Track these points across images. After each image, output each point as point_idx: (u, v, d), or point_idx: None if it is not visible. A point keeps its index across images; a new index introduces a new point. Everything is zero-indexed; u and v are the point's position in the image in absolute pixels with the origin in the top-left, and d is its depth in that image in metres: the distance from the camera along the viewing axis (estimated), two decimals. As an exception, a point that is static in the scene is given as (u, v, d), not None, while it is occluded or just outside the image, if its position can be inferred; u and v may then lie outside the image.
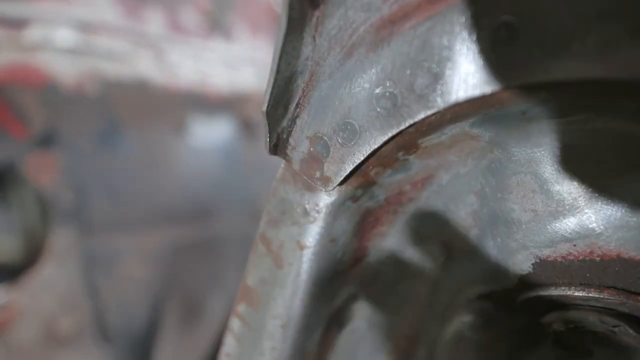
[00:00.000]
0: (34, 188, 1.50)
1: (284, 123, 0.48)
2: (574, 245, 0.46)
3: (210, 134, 2.04)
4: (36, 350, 1.53)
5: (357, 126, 0.45)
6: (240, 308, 0.58)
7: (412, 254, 0.57)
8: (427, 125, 0.43)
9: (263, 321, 0.56)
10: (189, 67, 1.92)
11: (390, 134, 0.44)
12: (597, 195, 0.44)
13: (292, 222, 0.52)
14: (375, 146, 0.45)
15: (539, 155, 0.45)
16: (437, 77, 0.40)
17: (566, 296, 0.48)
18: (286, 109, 0.48)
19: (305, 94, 0.47)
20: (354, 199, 0.50)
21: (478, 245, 0.54)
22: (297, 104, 0.48)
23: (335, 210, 0.50)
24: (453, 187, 0.52)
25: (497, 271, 0.54)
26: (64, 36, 1.54)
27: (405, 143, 0.45)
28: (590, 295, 0.47)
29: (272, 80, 0.44)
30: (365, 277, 0.57)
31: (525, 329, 0.61)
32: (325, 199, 0.50)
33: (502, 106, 0.40)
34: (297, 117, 0.48)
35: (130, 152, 1.73)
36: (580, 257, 0.46)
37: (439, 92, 0.41)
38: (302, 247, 0.51)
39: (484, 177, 0.49)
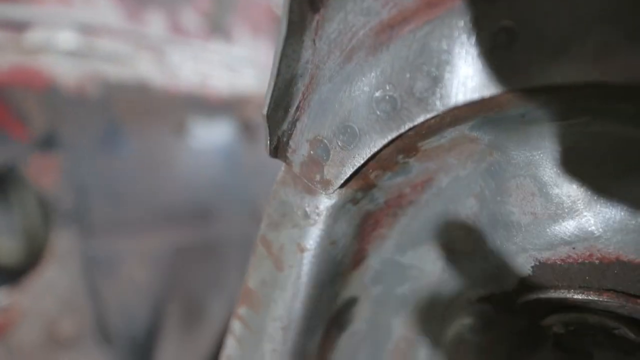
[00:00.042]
0: (35, 190, 1.51)
1: (284, 126, 0.49)
2: (573, 248, 0.46)
3: (211, 135, 2.05)
4: (38, 352, 1.53)
5: (357, 129, 0.45)
6: (241, 310, 0.58)
7: (411, 256, 0.57)
8: (426, 128, 0.43)
9: (264, 323, 0.56)
10: (190, 69, 1.93)
11: (390, 137, 0.44)
12: (596, 198, 0.44)
13: (293, 224, 0.52)
14: (375, 149, 0.45)
15: (538, 158, 0.45)
16: (436, 81, 0.41)
17: (566, 299, 0.49)
18: (286, 112, 0.48)
19: (305, 97, 0.48)
20: (354, 201, 0.50)
21: (477, 248, 0.54)
22: (298, 107, 0.48)
23: (336, 212, 0.50)
24: (453, 190, 0.52)
25: (497, 274, 0.54)
26: (66, 39, 1.54)
27: (405, 146, 0.46)
28: (590, 298, 0.47)
29: (272, 83, 0.44)
30: (365, 280, 0.57)
31: (525, 332, 0.61)
32: (325, 202, 0.50)
33: (502, 109, 0.40)
34: (297, 120, 0.48)
35: (131, 154, 1.74)
36: (580, 260, 0.46)
37: (438, 95, 0.41)
38: (302, 250, 0.52)
39: (483, 179, 0.50)
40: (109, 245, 1.70)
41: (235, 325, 0.60)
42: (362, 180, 0.48)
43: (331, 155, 0.47)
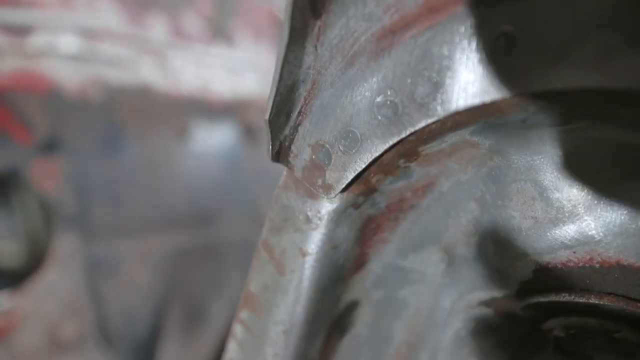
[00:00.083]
0: (36, 193, 1.51)
1: (286, 131, 0.49)
2: (574, 252, 0.46)
3: (213, 139, 2.05)
4: (39, 355, 1.53)
5: (358, 134, 0.46)
6: (243, 314, 0.58)
7: (413, 260, 0.57)
8: (427, 133, 0.44)
9: (265, 327, 0.56)
10: (192, 73, 1.93)
11: (391, 142, 0.44)
12: (596, 202, 0.44)
13: (294, 229, 0.52)
14: (377, 154, 0.45)
15: (538, 162, 0.45)
16: (437, 86, 0.41)
17: (566, 302, 0.49)
18: (288, 117, 0.48)
19: (307, 102, 0.48)
20: (356, 206, 0.51)
21: (479, 252, 0.54)
22: (299, 112, 0.48)
23: (337, 217, 0.50)
24: (454, 194, 0.52)
25: (497, 278, 0.54)
26: (68, 43, 1.55)
27: (406, 151, 0.46)
28: (590, 301, 0.47)
29: (274, 89, 0.45)
30: (366, 284, 0.58)
31: (526, 335, 0.61)
32: (327, 206, 0.50)
33: (502, 114, 0.41)
34: (299, 125, 0.49)
35: (133, 158, 1.74)
36: (580, 264, 0.47)
37: (439, 100, 0.41)
38: (304, 254, 0.52)
39: (484, 184, 0.50)
40: (110, 248, 1.70)
41: (237, 329, 0.60)
42: (363, 184, 0.49)
43: (333, 160, 0.47)
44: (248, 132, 2.15)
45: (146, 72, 1.76)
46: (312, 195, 0.50)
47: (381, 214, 0.53)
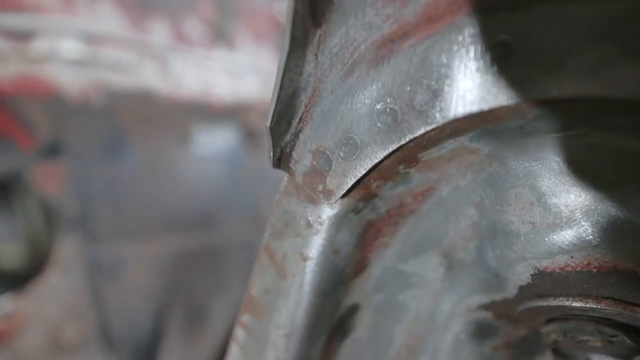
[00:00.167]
0: (38, 197, 1.52)
1: (287, 137, 0.49)
2: (572, 257, 0.47)
3: (214, 142, 2.06)
4: (41, 358, 1.54)
5: (358, 141, 0.46)
6: (245, 318, 0.59)
7: (413, 264, 0.58)
8: (427, 140, 0.44)
9: (267, 331, 0.57)
10: (193, 77, 1.94)
11: (391, 149, 0.45)
12: (593, 208, 0.45)
13: (296, 234, 0.53)
14: (377, 160, 0.46)
15: (536, 168, 0.46)
16: (436, 94, 0.42)
17: (564, 307, 0.49)
18: (289, 124, 0.49)
19: (308, 109, 0.48)
20: (356, 211, 0.51)
21: (478, 256, 0.55)
22: (300, 119, 0.49)
23: (338, 222, 0.51)
24: (453, 200, 0.52)
25: (496, 282, 0.55)
26: (70, 48, 1.56)
27: (406, 157, 0.46)
28: (588, 305, 0.47)
29: (275, 96, 0.45)
30: (367, 287, 0.58)
31: (524, 339, 0.61)
32: (327, 212, 0.51)
33: (500, 121, 0.41)
34: (300, 131, 0.49)
35: (134, 161, 1.75)
36: (578, 269, 0.47)
37: (438, 108, 0.42)
38: (305, 259, 0.52)
39: (483, 189, 0.50)
40: (112, 251, 1.71)
41: (239, 333, 0.60)
42: (363, 190, 0.49)
43: (333, 166, 0.48)
44: (249, 135, 2.16)
45: (148, 77, 1.76)
46: (313, 201, 0.51)
47: (381, 219, 0.54)
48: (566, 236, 0.47)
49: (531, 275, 0.50)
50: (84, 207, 1.60)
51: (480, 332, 0.61)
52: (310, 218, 0.52)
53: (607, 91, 0.36)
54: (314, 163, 0.49)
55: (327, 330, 0.57)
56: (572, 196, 0.45)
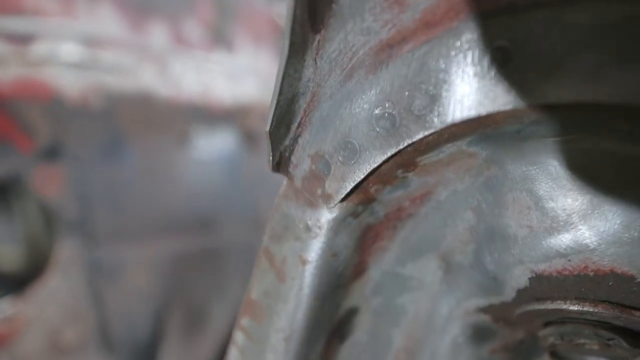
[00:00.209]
0: (39, 200, 1.52)
1: (287, 142, 0.50)
2: (569, 261, 0.47)
3: (213, 145, 2.06)
4: (41, 361, 1.54)
5: (357, 145, 0.47)
6: (244, 321, 0.59)
7: (411, 267, 0.58)
8: (425, 144, 0.44)
9: (266, 334, 0.57)
10: (192, 79, 1.94)
11: (389, 153, 0.45)
12: (590, 212, 0.45)
13: (295, 237, 0.53)
14: (375, 165, 0.46)
15: (534, 173, 0.46)
16: (434, 99, 0.42)
17: (562, 310, 0.49)
18: (288, 128, 0.49)
19: (307, 114, 0.49)
20: (355, 215, 0.51)
21: (476, 260, 0.55)
22: (299, 124, 0.49)
23: (337, 226, 0.51)
24: (451, 203, 0.53)
25: (494, 285, 0.55)
26: (70, 51, 1.56)
27: (404, 161, 0.47)
28: (585, 309, 0.48)
29: (274, 101, 0.46)
30: (366, 291, 0.58)
31: (522, 342, 0.62)
32: (326, 215, 0.51)
33: (498, 126, 0.42)
34: (299, 136, 0.50)
35: (134, 164, 1.75)
36: (575, 272, 0.47)
37: (436, 113, 0.42)
38: (304, 262, 0.53)
39: (481, 193, 0.51)
40: (112, 254, 1.71)
41: (238, 336, 0.60)
42: (362, 194, 0.50)
43: (332, 170, 0.48)
44: (248, 138, 2.16)
45: (147, 79, 1.77)
46: (312, 205, 0.51)
47: (380, 223, 0.54)
48: (563, 240, 0.47)
49: (529, 278, 0.51)
50: (83, 209, 1.60)
51: (478, 335, 0.62)
52: (309, 222, 0.52)
53: (604, 97, 0.36)
54: (313, 167, 0.49)
55: (326, 334, 0.58)
56: (569, 200, 0.46)
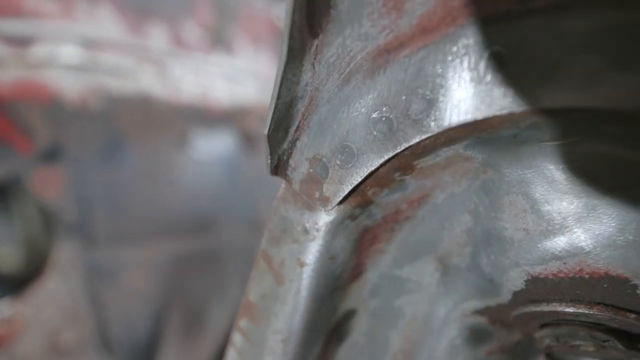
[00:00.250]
0: (38, 202, 1.52)
1: (285, 145, 0.50)
2: (564, 263, 0.47)
3: (212, 147, 2.06)
4: (40, 363, 1.54)
5: (354, 149, 0.47)
6: (242, 323, 0.60)
7: (408, 270, 0.59)
8: (422, 148, 0.45)
9: (264, 336, 0.57)
10: (191, 81, 1.95)
11: (386, 157, 0.46)
12: (585, 215, 0.45)
13: (293, 240, 0.53)
14: (373, 168, 0.47)
15: (529, 176, 0.47)
16: (431, 103, 0.42)
17: (557, 312, 0.50)
18: (287, 132, 0.49)
19: (305, 117, 0.49)
20: (353, 217, 0.52)
21: (472, 262, 0.55)
22: (297, 127, 0.50)
23: (335, 228, 0.52)
24: (448, 206, 0.53)
25: (491, 287, 0.55)
26: (69, 53, 1.56)
27: (402, 165, 0.47)
28: (581, 311, 0.48)
29: (273, 105, 0.46)
30: (363, 293, 0.59)
31: (518, 343, 0.62)
32: (324, 218, 0.51)
33: (494, 130, 0.42)
34: (297, 139, 0.50)
35: (133, 166, 1.75)
36: (570, 275, 0.48)
37: (432, 117, 0.43)
38: (302, 265, 0.53)
39: (477, 196, 0.51)
40: (111, 255, 1.71)
41: (236, 338, 0.61)
42: (360, 197, 0.50)
43: (330, 174, 0.49)
44: (247, 140, 2.16)
45: (146, 81, 1.77)
46: (310, 208, 0.52)
47: (377, 225, 0.54)
48: (559, 243, 0.47)
49: (525, 281, 0.51)
50: (82, 211, 1.60)
51: (475, 337, 0.62)
52: (307, 224, 0.52)
53: (598, 102, 0.36)
54: (311, 170, 0.50)
55: (323, 335, 0.58)
56: (564, 203, 0.46)
